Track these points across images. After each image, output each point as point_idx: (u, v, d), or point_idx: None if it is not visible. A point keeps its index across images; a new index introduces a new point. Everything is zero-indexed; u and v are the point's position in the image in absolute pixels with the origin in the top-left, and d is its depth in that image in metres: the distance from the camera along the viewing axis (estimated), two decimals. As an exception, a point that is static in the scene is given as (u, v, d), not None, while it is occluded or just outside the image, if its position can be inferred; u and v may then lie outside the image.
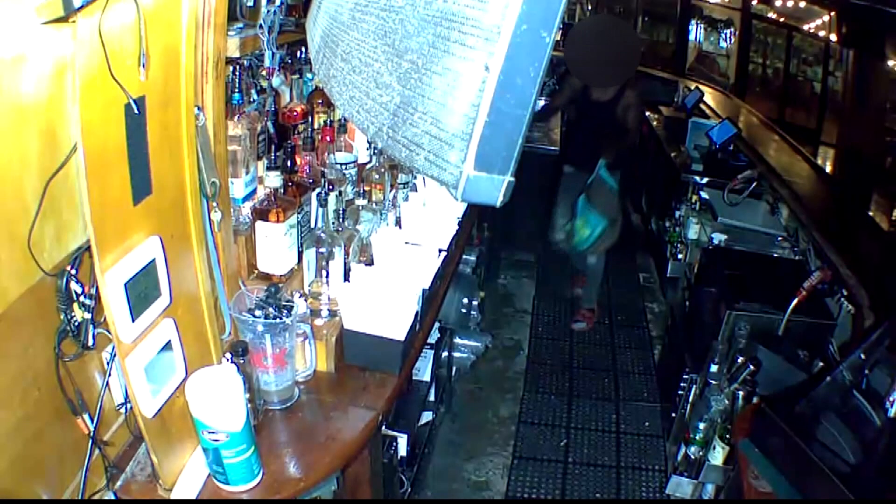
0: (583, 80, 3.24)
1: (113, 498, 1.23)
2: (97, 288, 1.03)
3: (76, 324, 1.08)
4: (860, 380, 1.61)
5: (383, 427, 1.87)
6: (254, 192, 1.61)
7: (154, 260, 1.10)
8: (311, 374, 1.59)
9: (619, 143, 3.28)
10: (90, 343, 1.11)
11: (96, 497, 1.20)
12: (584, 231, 3.15)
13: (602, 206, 3.14)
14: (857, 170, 5.22)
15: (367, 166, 2.18)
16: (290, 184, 1.66)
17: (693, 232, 3.50)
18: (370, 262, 1.87)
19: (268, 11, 1.45)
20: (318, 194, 1.75)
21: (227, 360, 1.31)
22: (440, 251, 1.94)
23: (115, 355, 1.11)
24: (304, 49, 1.91)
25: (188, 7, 1.08)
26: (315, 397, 1.56)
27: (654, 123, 5.09)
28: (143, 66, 0.97)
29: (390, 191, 2.21)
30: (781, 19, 6.26)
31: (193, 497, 1.25)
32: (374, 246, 1.88)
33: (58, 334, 1.07)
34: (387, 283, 1.68)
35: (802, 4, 5.75)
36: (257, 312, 1.41)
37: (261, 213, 1.59)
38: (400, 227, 2.11)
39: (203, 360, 1.30)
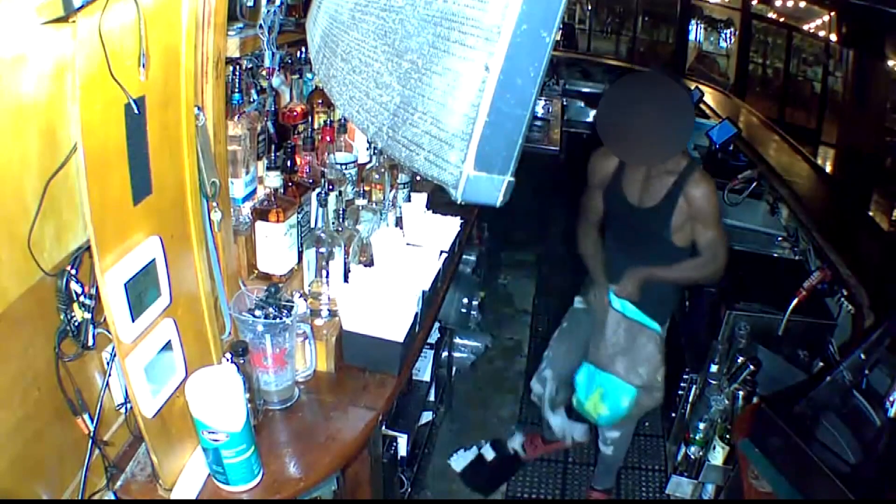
0: (622, 156, 1.97)
1: (113, 498, 1.23)
2: (97, 288, 1.03)
3: (76, 324, 1.08)
4: (860, 380, 1.61)
5: (383, 427, 1.87)
6: (254, 192, 1.61)
7: (154, 260, 1.10)
8: (311, 374, 1.59)
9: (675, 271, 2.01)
10: (90, 343, 1.11)
11: (96, 497, 1.20)
12: (599, 408, 2.08)
13: (632, 364, 2.02)
14: (857, 170, 5.22)
15: (367, 166, 2.18)
16: (290, 184, 1.66)
17: (693, 232, 3.49)
18: (370, 263, 1.87)
19: (268, 11, 1.45)
20: (318, 194, 1.75)
21: (227, 360, 1.31)
22: (441, 252, 1.93)
23: (115, 355, 1.11)
24: (304, 49, 1.90)
25: (188, 7, 1.08)
26: (315, 397, 1.56)
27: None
28: (143, 66, 0.97)
29: (390, 191, 2.21)
30: (781, 19, 6.27)
31: (193, 497, 1.25)
32: (374, 247, 1.88)
33: (58, 334, 1.07)
34: (386, 284, 1.68)
35: (802, 4, 5.75)
36: (257, 312, 1.41)
37: (261, 213, 1.59)
38: (401, 228, 2.11)
39: (203, 360, 1.30)
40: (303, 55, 1.93)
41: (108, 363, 1.19)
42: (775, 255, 2.93)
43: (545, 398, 2.39)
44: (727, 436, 2.03)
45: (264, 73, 1.65)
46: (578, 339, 2.26)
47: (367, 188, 2.06)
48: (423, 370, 2.32)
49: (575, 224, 2.29)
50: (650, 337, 2.04)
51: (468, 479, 2.65)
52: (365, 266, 1.78)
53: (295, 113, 1.82)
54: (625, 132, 1.83)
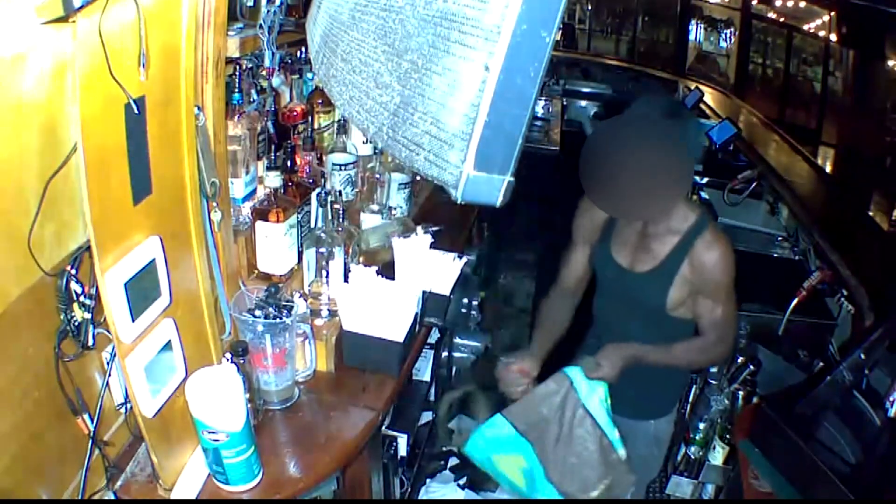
0: (606, 210, 1.59)
1: (113, 498, 1.23)
2: (97, 288, 1.03)
3: (76, 324, 1.08)
4: (860, 380, 1.61)
5: (383, 427, 1.87)
6: (254, 192, 1.61)
7: (154, 260, 1.10)
8: (311, 374, 1.59)
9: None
10: (90, 343, 1.11)
11: (96, 497, 1.20)
12: (515, 476, 1.65)
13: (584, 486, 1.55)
14: (857, 170, 5.22)
15: (368, 166, 2.18)
16: (290, 184, 1.66)
17: (693, 232, 3.49)
18: (382, 270, 1.83)
19: (268, 11, 1.45)
20: (318, 194, 1.75)
21: (227, 360, 1.31)
22: (460, 256, 1.91)
23: (115, 355, 1.11)
24: (304, 49, 1.90)
25: (188, 7, 1.08)
26: (315, 397, 1.56)
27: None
28: (143, 66, 0.97)
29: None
30: (781, 19, 6.27)
31: (193, 497, 1.25)
32: (395, 251, 1.83)
33: (58, 334, 1.07)
34: (386, 285, 1.68)
35: (802, 4, 5.75)
36: (257, 312, 1.41)
37: (261, 213, 1.59)
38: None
39: (203, 360, 1.30)
40: (303, 55, 1.93)
41: (108, 363, 1.19)
42: (775, 255, 2.93)
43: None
44: (727, 436, 2.03)
45: (264, 73, 1.65)
46: None
47: (367, 188, 2.06)
48: (423, 370, 2.32)
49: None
50: (596, 441, 1.53)
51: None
52: (377, 272, 1.68)
53: (295, 113, 1.83)
54: (607, 181, 1.47)
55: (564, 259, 1.86)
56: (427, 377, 2.32)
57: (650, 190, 1.45)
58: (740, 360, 2.12)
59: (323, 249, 1.68)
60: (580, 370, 1.58)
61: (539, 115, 4.74)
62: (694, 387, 2.48)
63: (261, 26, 1.45)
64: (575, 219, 1.81)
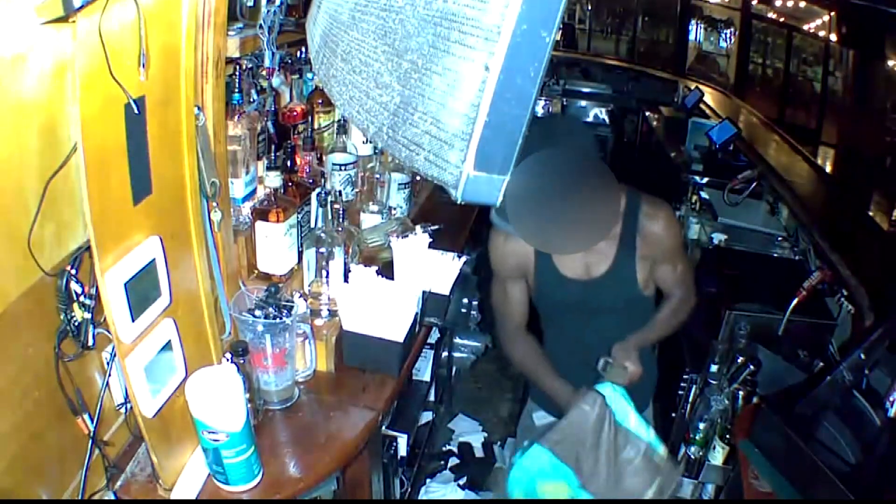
0: (544, 249, 1.52)
1: (113, 498, 1.23)
2: (97, 288, 1.03)
3: (76, 324, 1.09)
4: (860, 380, 1.61)
5: (383, 427, 1.87)
6: (254, 192, 1.61)
7: (154, 260, 1.10)
8: (311, 374, 1.59)
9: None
10: (90, 343, 1.12)
11: (96, 497, 1.20)
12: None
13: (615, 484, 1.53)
14: (857, 170, 5.21)
15: (368, 166, 2.18)
16: (290, 184, 1.66)
17: (693, 232, 3.49)
18: (382, 270, 1.83)
19: (268, 11, 1.45)
20: (318, 194, 1.75)
21: (227, 360, 1.31)
22: (459, 255, 1.92)
23: (115, 355, 1.11)
24: (304, 49, 1.91)
25: (188, 7, 1.08)
26: (315, 397, 1.56)
27: (654, 123, 5.09)
28: (143, 65, 0.97)
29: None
30: (781, 19, 6.26)
31: (193, 497, 1.25)
32: (394, 251, 1.82)
33: (58, 334, 1.07)
34: (386, 285, 1.68)
35: (802, 4, 5.75)
36: (257, 312, 1.41)
37: (261, 213, 1.59)
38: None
39: (203, 360, 1.30)
40: (303, 55, 1.93)
41: (108, 363, 1.19)
42: (775, 255, 2.93)
43: None
44: (727, 436, 2.03)
45: (264, 73, 1.65)
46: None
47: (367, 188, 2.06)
48: (423, 370, 2.32)
49: (495, 332, 1.82)
50: (637, 449, 1.53)
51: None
52: (377, 272, 1.67)
53: (295, 113, 1.83)
54: (542, 221, 1.32)
55: (498, 303, 1.76)
56: (427, 377, 2.32)
57: (589, 217, 1.33)
58: (740, 359, 2.12)
59: (323, 249, 1.68)
60: (610, 385, 1.55)
61: (539, 115, 4.74)
62: (694, 387, 2.48)
63: (261, 26, 1.45)
64: (493, 258, 1.70)
